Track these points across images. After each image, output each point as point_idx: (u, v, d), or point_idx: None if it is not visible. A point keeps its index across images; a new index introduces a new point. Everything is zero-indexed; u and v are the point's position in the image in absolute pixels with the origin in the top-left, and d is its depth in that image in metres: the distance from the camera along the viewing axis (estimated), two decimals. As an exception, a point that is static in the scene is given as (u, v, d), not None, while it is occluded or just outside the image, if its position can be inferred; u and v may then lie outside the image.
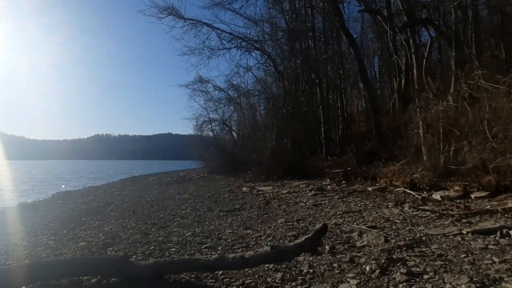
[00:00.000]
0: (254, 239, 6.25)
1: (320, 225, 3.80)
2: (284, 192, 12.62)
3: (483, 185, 8.03)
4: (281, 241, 5.99)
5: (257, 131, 22.60)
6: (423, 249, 4.84)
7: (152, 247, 6.18)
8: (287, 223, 7.37)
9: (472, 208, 6.92)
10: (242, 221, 8.01)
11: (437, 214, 6.89)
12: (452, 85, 9.20)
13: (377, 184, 11.63)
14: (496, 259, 4.20)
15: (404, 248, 4.93)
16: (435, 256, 4.53)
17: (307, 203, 9.91)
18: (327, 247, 5.28)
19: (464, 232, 5.47)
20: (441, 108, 8.59)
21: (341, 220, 7.26)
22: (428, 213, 7.08)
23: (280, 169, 17.16)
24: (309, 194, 11.57)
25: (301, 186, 13.72)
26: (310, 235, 3.80)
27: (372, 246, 5.27)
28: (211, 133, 31.82)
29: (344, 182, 13.05)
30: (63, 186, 26.85)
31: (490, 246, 4.73)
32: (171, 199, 13.07)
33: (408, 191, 9.29)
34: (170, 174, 33.75)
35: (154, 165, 75.52)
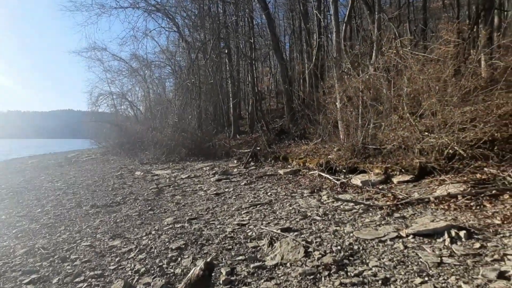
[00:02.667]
0: (117, 259, 4.17)
1: (198, 268, 1.90)
2: (183, 177, 10.58)
3: (405, 167, 7.04)
4: (157, 260, 4.01)
5: (160, 106, 19.87)
6: (360, 269, 3.33)
7: None
8: (176, 225, 5.42)
9: (400, 197, 5.76)
10: (114, 224, 5.82)
11: (362, 205, 5.59)
12: (374, 54, 8.07)
13: (289, 166, 10.29)
14: (464, 284, 2.86)
15: (334, 268, 3.37)
16: (380, 283, 3.04)
17: (208, 192, 8.07)
18: (223, 271, 3.48)
19: (404, 235, 4.15)
20: (362, 79, 7.37)
21: (247, 218, 5.55)
22: (351, 204, 5.75)
23: (184, 150, 14.99)
24: (212, 179, 9.73)
25: (204, 169, 11.82)
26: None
27: (288, 265, 3.62)
28: (112, 109, 27.80)
29: (253, 164, 11.49)
30: None
31: (445, 259, 3.40)
32: (37, 189, 10.08)
33: (324, 174, 8.01)
34: (59, 155, 28.93)
35: (48, 145, 65.64)
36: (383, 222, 4.76)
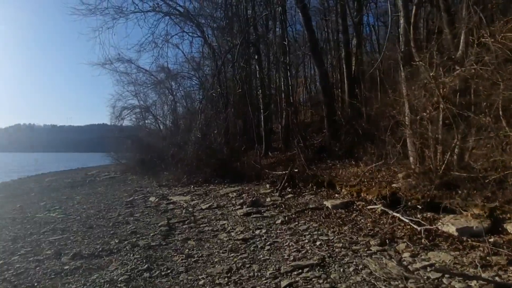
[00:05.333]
0: None
1: None
2: (203, 207, 8.58)
3: (523, 208, 4.67)
4: None
5: (183, 120, 18.22)
6: None
7: None
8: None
9: (551, 268, 3.42)
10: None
11: (484, 283, 3.30)
12: (461, 45, 5.77)
13: (337, 195, 8.04)
14: None
15: None
16: None
17: (233, 234, 6.00)
18: None
19: None
20: (454, 79, 5.11)
21: (291, 299, 3.40)
22: (460, 278, 3.47)
23: (207, 169, 13.05)
24: (239, 211, 7.66)
25: (230, 195, 9.77)
26: None
27: None
28: (137, 123, 26.49)
29: (289, 190, 9.34)
30: None
31: None
32: (25, 222, 8.26)
33: (396, 214, 5.71)
34: (83, 171, 28.06)
35: (79, 159, 65.77)
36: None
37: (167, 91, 25.51)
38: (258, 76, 15.97)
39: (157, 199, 10.24)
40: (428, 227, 4.93)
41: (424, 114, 5.73)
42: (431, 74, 5.29)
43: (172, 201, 9.90)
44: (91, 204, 10.22)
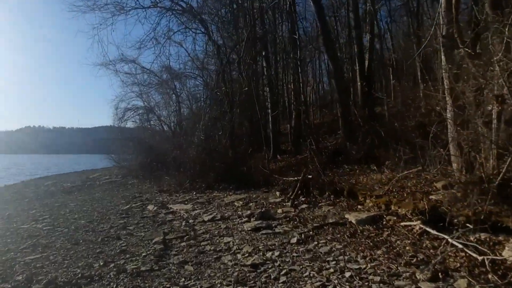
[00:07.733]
0: None
1: None
2: (205, 218, 7.51)
3: None
4: None
5: (185, 121, 17.19)
6: None
7: None
8: None
9: None
10: None
11: None
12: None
13: (359, 206, 6.93)
14: None
15: None
16: None
17: (239, 257, 4.94)
18: None
19: None
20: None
21: None
22: None
23: (211, 174, 12.00)
24: (246, 226, 6.58)
25: (236, 204, 8.71)
26: None
27: None
28: (139, 124, 25.54)
29: (303, 199, 8.25)
30: None
31: None
32: (7, 235, 7.34)
33: (444, 236, 4.58)
34: (83, 174, 27.05)
35: (86, 161, 64.86)
36: None
37: (171, 91, 24.53)
38: (265, 73, 14.93)
39: (155, 208, 9.22)
40: (492, 257, 3.80)
41: (480, 111, 4.61)
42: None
43: (171, 210, 8.87)
44: (83, 213, 9.23)
